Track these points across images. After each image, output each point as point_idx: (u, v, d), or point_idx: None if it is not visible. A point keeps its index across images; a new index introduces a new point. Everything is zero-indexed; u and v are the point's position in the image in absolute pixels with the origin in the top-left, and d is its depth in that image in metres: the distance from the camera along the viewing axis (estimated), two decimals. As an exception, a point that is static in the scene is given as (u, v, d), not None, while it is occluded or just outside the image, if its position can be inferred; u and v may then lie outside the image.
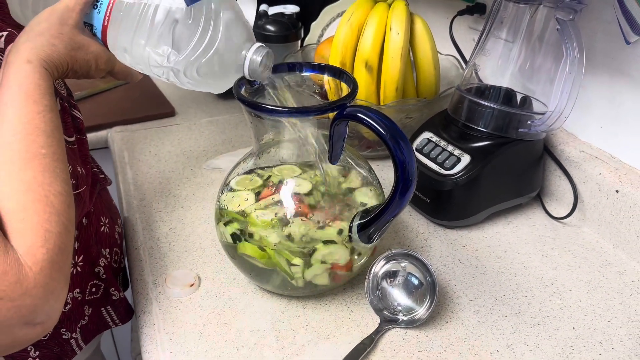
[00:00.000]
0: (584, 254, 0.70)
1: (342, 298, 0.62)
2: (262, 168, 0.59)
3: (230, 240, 0.57)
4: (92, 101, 1.09)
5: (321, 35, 1.11)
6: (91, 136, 0.97)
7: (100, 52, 0.53)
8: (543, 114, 0.70)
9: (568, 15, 0.66)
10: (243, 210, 0.56)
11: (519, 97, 0.75)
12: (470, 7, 0.91)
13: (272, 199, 0.55)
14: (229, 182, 0.59)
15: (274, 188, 0.56)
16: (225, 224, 0.57)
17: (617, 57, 0.70)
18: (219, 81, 0.53)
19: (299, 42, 1.08)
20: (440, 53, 0.89)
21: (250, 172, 0.59)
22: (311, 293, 0.61)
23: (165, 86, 1.18)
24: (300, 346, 0.56)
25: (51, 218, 0.44)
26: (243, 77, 0.53)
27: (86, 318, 0.62)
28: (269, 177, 0.57)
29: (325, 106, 0.50)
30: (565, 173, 0.77)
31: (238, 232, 0.56)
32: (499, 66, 0.77)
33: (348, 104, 0.50)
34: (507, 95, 0.75)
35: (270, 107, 0.50)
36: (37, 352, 0.56)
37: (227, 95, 1.13)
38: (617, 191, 0.70)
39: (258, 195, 0.56)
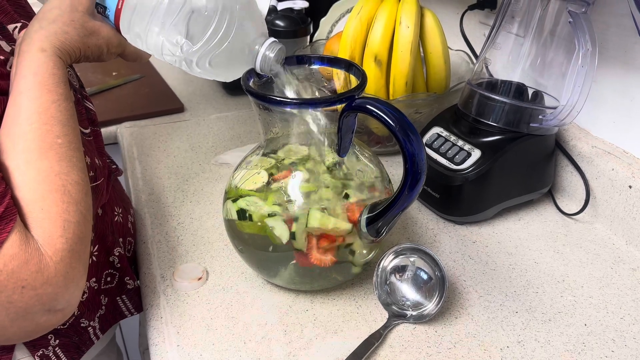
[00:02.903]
0: (596, 250, 0.69)
1: (350, 293, 0.61)
2: (272, 152, 0.58)
3: (234, 216, 0.57)
4: (101, 97, 1.09)
5: (330, 31, 1.11)
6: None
7: (112, 37, 0.52)
8: (555, 108, 0.69)
9: (580, 7, 0.65)
10: (256, 189, 0.56)
11: (530, 91, 0.74)
12: (481, 2, 0.90)
13: (282, 190, 0.55)
14: (242, 164, 0.59)
15: (283, 179, 0.56)
16: (233, 201, 0.57)
17: (630, 50, 0.69)
18: (229, 72, 0.52)
19: (308, 37, 1.08)
20: (451, 48, 0.88)
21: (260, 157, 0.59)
22: (319, 287, 0.60)
23: (175, 82, 1.18)
24: (307, 340, 0.55)
25: (69, 208, 0.45)
26: (252, 69, 0.53)
27: (103, 308, 0.62)
28: (282, 160, 0.57)
29: (333, 98, 0.50)
30: (577, 169, 0.76)
31: (244, 209, 0.56)
32: (510, 61, 0.76)
33: (357, 96, 0.50)
34: (519, 90, 0.74)
35: (278, 98, 0.49)
36: (57, 341, 0.57)
37: (236, 91, 1.13)
38: (630, 187, 0.69)
39: (271, 177, 0.56)
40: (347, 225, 0.54)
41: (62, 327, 0.57)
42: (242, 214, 0.56)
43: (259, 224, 0.54)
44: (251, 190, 0.56)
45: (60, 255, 0.43)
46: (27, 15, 0.56)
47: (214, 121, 1.03)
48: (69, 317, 0.49)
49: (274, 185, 0.55)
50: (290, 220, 0.53)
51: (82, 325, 0.60)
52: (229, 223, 0.58)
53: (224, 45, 0.49)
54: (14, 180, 0.44)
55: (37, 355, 0.55)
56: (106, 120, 1.00)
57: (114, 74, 1.20)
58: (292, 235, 0.53)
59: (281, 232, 0.54)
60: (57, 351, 0.57)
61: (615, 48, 0.71)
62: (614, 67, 0.72)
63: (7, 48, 0.50)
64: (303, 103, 0.51)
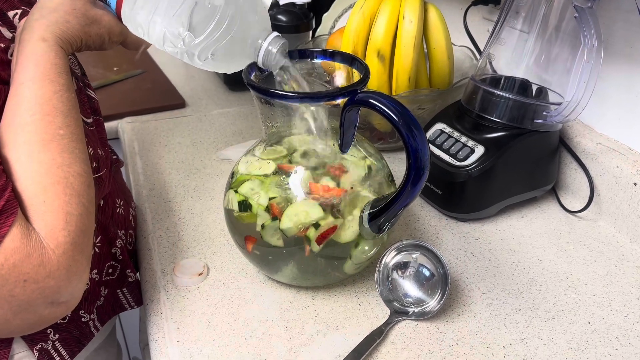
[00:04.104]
0: (600, 248, 0.69)
1: (351, 289, 0.61)
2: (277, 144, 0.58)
3: (235, 207, 0.56)
4: (103, 92, 1.09)
5: (333, 27, 1.10)
6: (102, 126, 0.97)
7: (113, 26, 0.52)
8: (559, 104, 0.69)
9: (586, 2, 0.64)
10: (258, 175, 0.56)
11: (534, 87, 0.74)
12: (485, -3, 0.89)
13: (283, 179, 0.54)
14: (251, 151, 0.59)
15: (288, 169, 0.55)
16: (236, 191, 0.57)
17: (636, 46, 0.68)
18: (231, 65, 0.52)
19: (310, 32, 1.07)
20: (454, 44, 0.87)
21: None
22: (320, 283, 0.60)
23: (177, 78, 1.18)
24: (309, 336, 0.55)
25: (72, 200, 0.44)
26: (253, 63, 0.53)
27: (102, 299, 0.62)
28: (292, 152, 0.57)
29: (336, 92, 0.49)
30: (581, 165, 0.75)
31: (245, 201, 0.55)
32: (514, 57, 0.76)
33: (359, 90, 0.49)
34: (522, 86, 0.73)
35: (280, 92, 0.49)
36: (57, 335, 0.57)
37: (238, 86, 1.13)
38: (635, 184, 0.68)
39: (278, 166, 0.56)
40: (319, 213, 0.53)
41: (62, 321, 0.57)
42: (243, 205, 0.55)
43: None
44: (257, 175, 0.56)
45: (62, 248, 0.43)
46: (28, 1, 0.55)
47: (215, 117, 1.02)
48: (73, 309, 0.48)
49: (278, 174, 0.55)
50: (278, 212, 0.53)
51: (82, 319, 0.59)
52: (228, 213, 0.58)
53: (226, 39, 0.49)
54: (15, 172, 0.43)
55: (35, 349, 0.55)
56: (107, 115, 0.99)
57: (115, 69, 1.19)
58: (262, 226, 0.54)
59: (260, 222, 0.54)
60: (57, 345, 0.57)
61: (621, 44, 0.70)
62: (619, 63, 0.71)
63: (8, 35, 0.50)
64: (305, 97, 0.50)
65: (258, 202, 0.54)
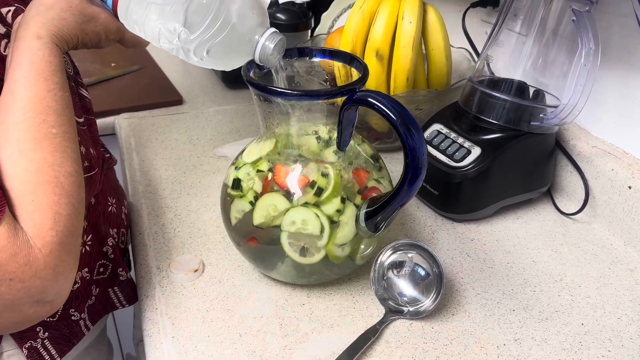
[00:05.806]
0: (594, 250, 0.69)
1: (347, 287, 0.61)
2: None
3: (230, 183, 0.57)
4: (100, 88, 1.08)
5: (331, 26, 1.11)
6: (99, 122, 0.96)
7: (110, 23, 0.52)
8: (556, 107, 0.69)
9: (584, 6, 0.64)
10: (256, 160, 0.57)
11: (531, 90, 0.74)
12: (484, -1, 0.89)
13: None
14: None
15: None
16: (236, 168, 0.58)
17: (633, 51, 0.69)
18: (228, 62, 0.52)
19: (309, 31, 1.08)
20: (452, 46, 0.88)
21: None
22: (315, 281, 0.60)
23: (174, 75, 1.18)
24: (303, 334, 0.55)
25: (61, 200, 0.44)
26: (252, 60, 0.53)
27: (93, 298, 0.62)
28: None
29: (335, 90, 0.49)
30: (576, 168, 0.75)
31: (239, 181, 0.56)
32: (512, 59, 0.76)
33: (358, 89, 0.49)
34: (520, 88, 0.73)
35: (278, 89, 0.49)
36: (47, 333, 0.56)
37: (235, 84, 1.13)
38: (629, 187, 0.68)
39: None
40: (285, 204, 0.53)
41: (51, 319, 0.56)
42: (236, 183, 0.56)
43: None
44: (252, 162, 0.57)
45: (49, 248, 0.43)
46: None
47: (212, 114, 1.02)
48: (59, 308, 0.48)
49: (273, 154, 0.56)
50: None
51: (72, 318, 0.59)
52: (224, 187, 0.58)
53: (222, 35, 0.48)
54: (5, 170, 0.43)
55: (24, 347, 0.54)
56: (104, 110, 0.99)
57: (112, 64, 1.19)
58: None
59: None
60: (46, 343, 0.56)
61: (618, 48, 0.71)
62: (615, 67, 0.72)
63: (1, 30, 0.49)
64: (304, 95, 0.50)
65: (252, 187, 0.55)
